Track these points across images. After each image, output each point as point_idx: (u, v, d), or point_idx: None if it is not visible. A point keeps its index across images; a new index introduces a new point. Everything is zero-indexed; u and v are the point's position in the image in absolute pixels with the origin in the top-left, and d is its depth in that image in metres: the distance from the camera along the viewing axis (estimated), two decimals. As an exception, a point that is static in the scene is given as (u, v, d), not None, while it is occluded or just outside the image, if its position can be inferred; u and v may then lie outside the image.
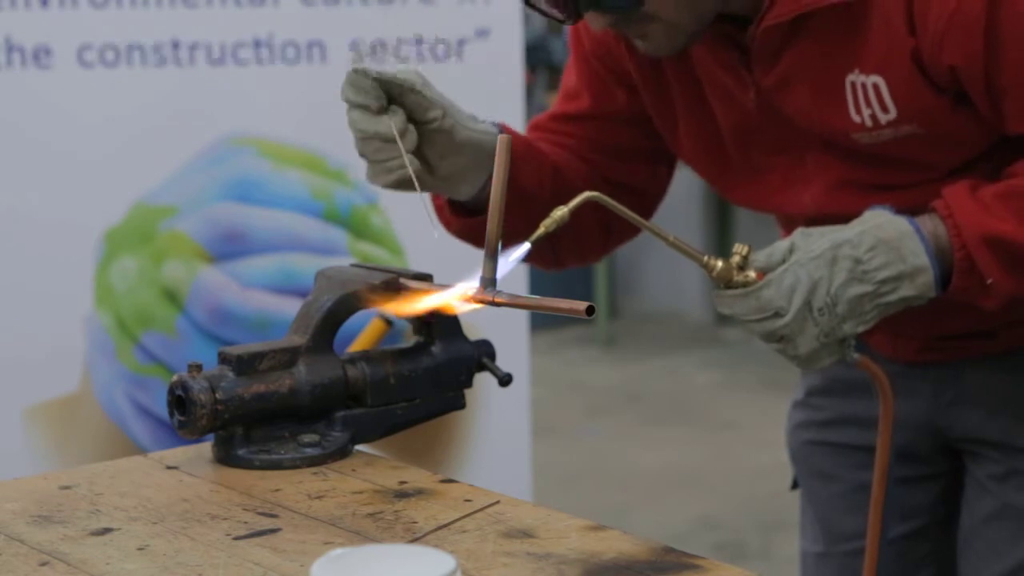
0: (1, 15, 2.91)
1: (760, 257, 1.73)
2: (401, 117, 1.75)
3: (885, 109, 1.77)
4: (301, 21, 3.03)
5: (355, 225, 3.09)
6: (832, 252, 1.70)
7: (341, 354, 1.65)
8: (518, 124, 3.04)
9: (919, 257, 1.71)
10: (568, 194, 1.59)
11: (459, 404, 1.71)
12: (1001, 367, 1.98)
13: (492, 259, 1.51)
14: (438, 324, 1.68)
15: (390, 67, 1.77)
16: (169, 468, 1.59)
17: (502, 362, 1.72)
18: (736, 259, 1.71)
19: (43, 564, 1.34)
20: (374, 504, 1.47)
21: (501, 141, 1.55)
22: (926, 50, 1.73)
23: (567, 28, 1.99)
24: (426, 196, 1.90)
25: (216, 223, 3.04)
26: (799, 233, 1.74)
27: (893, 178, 1.83)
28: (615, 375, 6.52)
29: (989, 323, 1.92)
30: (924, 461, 2.06)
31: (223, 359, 1.60)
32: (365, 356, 1.67)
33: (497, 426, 3.17)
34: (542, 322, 5.94)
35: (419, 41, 3.07)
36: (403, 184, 1.78)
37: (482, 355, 1.71)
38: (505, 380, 1.71)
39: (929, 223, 1.74)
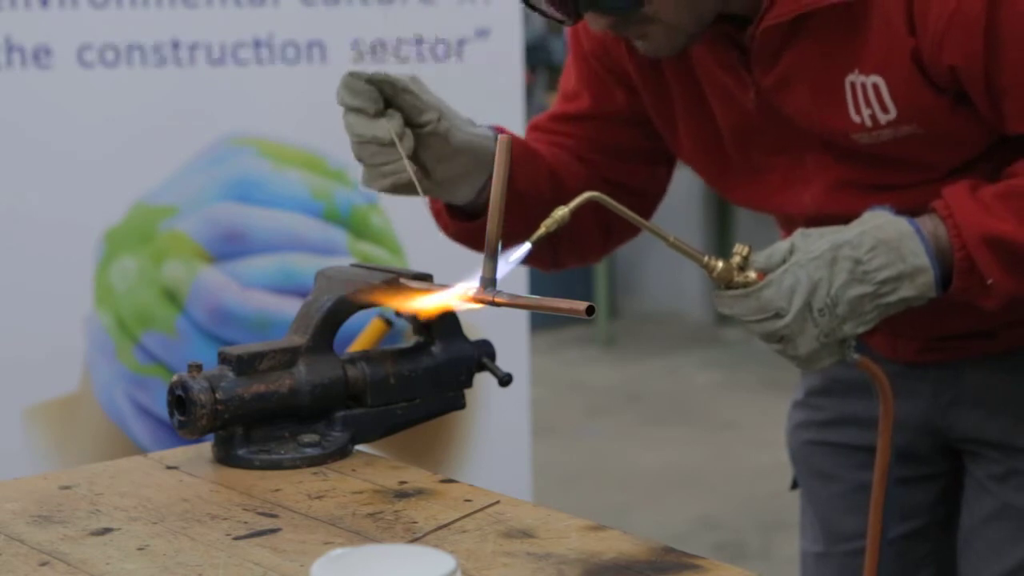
0: (1, 15, 2.91)
1: (760, 258, 1.73)
2: (398, 121, 1.75)
3: (885, 109, 1.77)
4: (301, 21, 3.03)
5: (355, 225, 3.09)
6: (832, 253, 1.70)
7: (341, 354, 1.65)
8: (518, 124, 3.04)
9: (919, 257, 1.71)
10: (566, 197, 1.59)
11: (459, 404, 1.71)
12: (1001, 367, 1.98)
13: (492, 259, 1.51)
14: (438, 324, 1.68)
15: (389, 68, 1.77)
16: (169, 468, 1.59)
17: (502, 362, 1.72)
18: (736, 260, 1.71)
19: (43, 564, 1.34)
20: (374, 504, 1.47)
21: (501, 141, 1.55)
22: (926, 50, 1.73)
23: (566, 28, 1.99)
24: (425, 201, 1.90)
25: (216, 223, 3.04)
26: (799, 234, 1.74)
27: (893, 178, 1.83)
28: (615, 375, 6.52)
29: (989, 323, 1.92)
30: (924, 461, 2.06)
31: (223, 359, 1.60)
32: (365, 356, 1.67)
33: (497, 426, 3.17)
34: (542, 322, 5.94)
35: (419, 41, 3.07)
36: (399, 188, 1.78)
37: (482, 355, 1.71)
38: (505, 380, 1.71)
39: (929, 223, 1.74)
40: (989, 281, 1.72)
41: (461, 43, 3.09)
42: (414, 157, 1.77)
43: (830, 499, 2.13)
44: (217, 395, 1.56)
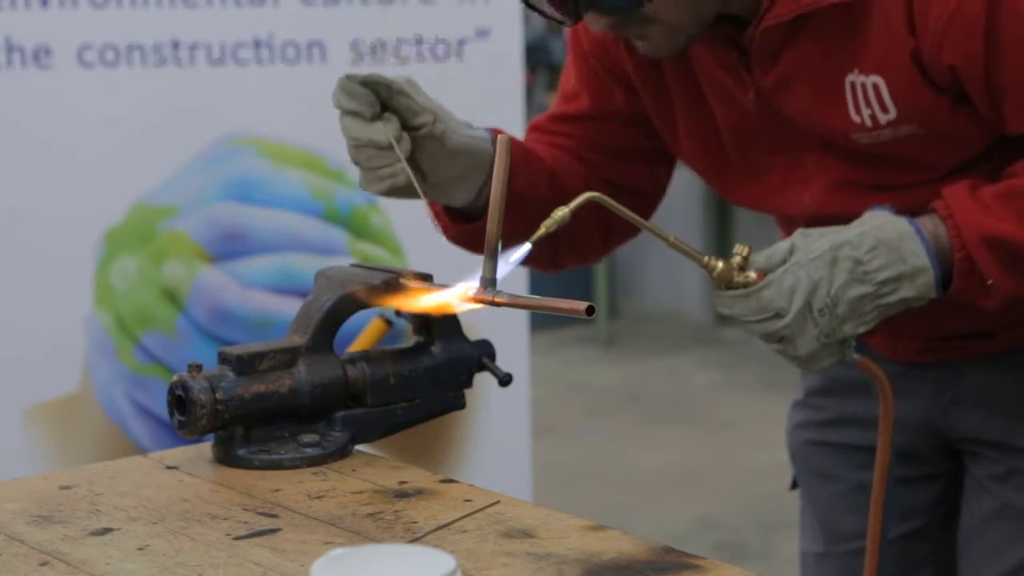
0: (1, 15, 2.91)
1: (760, 258, 1.73)
2: (396, 124, 1.75)
3: (885, 109, 1.77)
4: (301, 21, 3.03)
5: (355, 225, 3.09)
6: (832, 253, 1.70)
7: (341, 354, 1.65)
8: (518, 124, 3.04)
9: (919, 258, 1.71)
10: (565, 197, 1.59)
11: (459, 404, 1.71)
12: (1001, 367, 1.98)
13: (492, 259, 1.51)
14: (438, 324, 1.68)
15: (389, 68, 1.77)
16: (169, 468, 1.59)
17: (502, 362, 1.72)
18: (736, 260, 1.71)
19: (43, 564, 1.34)
20: (374, 504, 1.47)
21: (501, 141, 1.55)
22: (926, 50, 1.73)
23: (566, 29, 1.99)
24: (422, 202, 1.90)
25: (216, 223, 3.04)
26: (799, 234, 1.74)
27: (893, 178, 1.83)
28: (615, 375, 6.52)
29: (989, 323, 1.92)
30: (924, 461, 2.06)
31: (223, 359, 1.60)
32: (365, 356, 1.67)
33: (497, 426, 3.17)
34: (542, 322, 5.94)
35: (419, 41, 3.07)
36: (396, 191, 1.78)
37: (482, 355, 1.71)
38: (505, 380, 1.71)
39: (929, 223, 1.74)
40: (989, 281, 1.72)
41: (461, 43, 3.09)
42: (410, 160, 1.77)
43: (830, 499, 2.13)
44: (217, 395, 1.56)
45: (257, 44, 3.02)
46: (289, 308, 2.92)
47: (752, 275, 1.71)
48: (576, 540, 1.37)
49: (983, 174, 1.79)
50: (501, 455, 3.19)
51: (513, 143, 1.59)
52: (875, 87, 1.76)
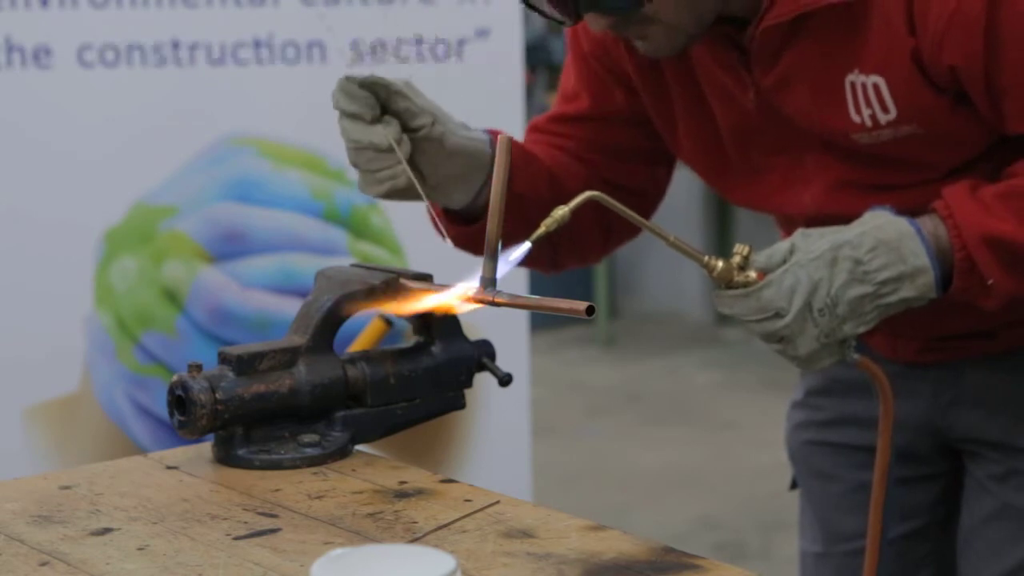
0: (1, 15, 2.91)
1: (760, 258, 1.73)
2: (396, 127, 1.75)
3: (885, 109, 1.77)
4: (301, 21, 3.03)
5: (355, 225, 3.09)
6: (832, 253, 1.70)
7: (341, 354, 1.65)
8: (518, 124, 3.04)
9: (919, 258, 1.71)
10: (565, 198, 1.59)
11: (459, 404, 1.71)
12: (1001, 367, 1.98)
13: (492, 259, 1.51)
14: (438, 324, 1.68)
15: (389, 68, 1.77)
16: (169, 468, 1.59)
17: (502, 362, 1.72)
18: (737, 259, 1.71)
19: (43, 564, 1.34)
20: (374, 504, 1.47)
21: (501, 140, 1.55)
22: (926, 50, 1.73)
23: (566, 29, 1.99)
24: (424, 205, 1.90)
25: (216, 223, 3.04)
26: (799, 234, 1.74)
27: (893, 178, 1.83)
28: (615, 375, 6.52)
29: (989, 323, 1.92)
30: (924, 461, 2.06)
31: (223, 359, 1.60)
32: (365, 356, 1.67)
33: (497, 426, 3.17)
34: (542, 322, 5.94)
35: (419, 41, 3.07)
36: (396, 193, 1.78)
37: (482, 355, 1.71)
38: (505, 380, 1.71)
39: (929, 224, 1.74)
40: (989, 281, 1.72)
41: (461, 43, 3.09)
42: (409, 162, 1.77)
43: (829, 499, 2.13)
44: (217, 395, 1.56)
45: (257, 44, 3.02)
46: (289, 308, 2.92)
47: (752, 275, 1.71)
48: (576, 540, 1.37)
49: (983, 174, 1.79)
50: (501, 455, 3.19)
51: (512, 144, 1.59)
52: (875, 87, 1.76)
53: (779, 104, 1.83)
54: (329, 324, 1.63)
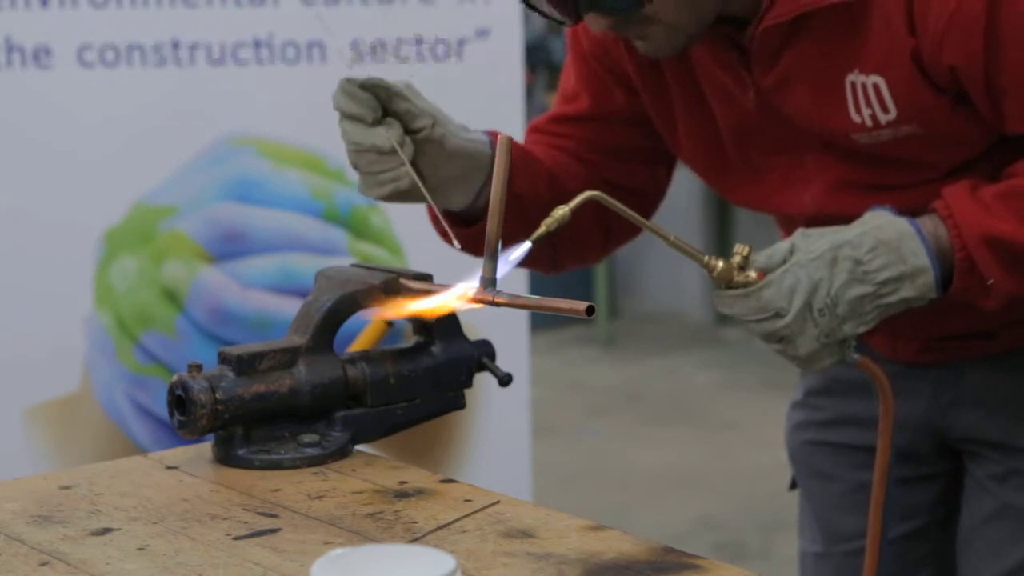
0: (1, 15, 2.91)
1: (760, 258, 1.73)
2: (398, 129, 1.74)
3: (885, 109, 1.77)
4: (301, 21, 3.03)
5: (355, 225, 3.09)
6: (832, 253, 1.70)
7: (341, 354, 1.65)
8: (518, 124, 3.04)
9: (919, 258, 1.71)
10: (565, 199, 1.58)
11: (459, 404, 1.71)
12: (1001, 367, 1.98)
13: (492, 259, 1.51)
14: (438, 324, 1.68)
15: (389, 68, 1.76)
16: (169, 468, 1.59)
17: (502, 362, 1.72)
18: (737, 259, 1.71)
19: (43, 564, 1.34)
20: (374, 504, 1.47)
21: (502, 140, 1.55)
22: (926, 50, 1.73)
23: (566, 29, 1.99)
24: (424, 207, 1.89)
25: (216, 223, 3.04)
26: (799, 234, 1.74)
27: (893, 178, 1.83)
28: (615, 375, 6.52)
29: (989, 323, 1.92)
30: (924, 461, 2.06)
31: (223, 359, 1.60)
32: (365, 356, 1.67)
33: (497, 426, 3.17)
34: (542, 322, 5.94)
35: (419, 41, 3.07)
36: (398, 196, 1.78)
37: (482, 355, 1.71)
38: (505, 380, 1.71)
39: (929, 224, 1.74)
40: (990, 281, 1.72)
41: (461, 43, 3.09)
42: (411, 163, 1.77)
43: (829, 499, 2.13)
44: (217, 395, 1.56)
45: (257, 44, 3.02)
46: (289, 308, 2.92)
47: (752, 275, 1.71)
48: (576, 540, 1.37)
49: (983, 174, 1.79)
50: (501, 455, 3.19)
51: (512, 145, 1.59)
52: (875, 87, 1.76)
53: (779, 104, 1.83)
54: (329, 324, 1.63)
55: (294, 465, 1.58)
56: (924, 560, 2.11)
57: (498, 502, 1.46)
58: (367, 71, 1.78)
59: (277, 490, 1.51)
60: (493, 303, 1.51)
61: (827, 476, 2.13)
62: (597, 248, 2.04)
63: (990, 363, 1.98)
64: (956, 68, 1.73)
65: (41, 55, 2.93)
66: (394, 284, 1.64)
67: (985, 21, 1.70)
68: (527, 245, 1.54)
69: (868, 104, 1.77)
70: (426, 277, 1.65)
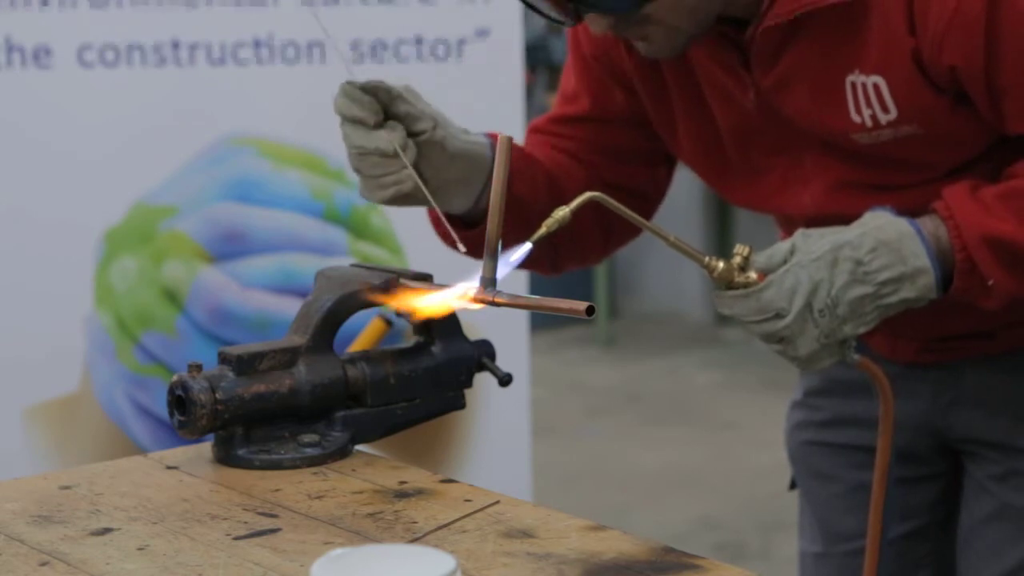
0: (1, 15, 2.90)
1: (761, 258, 1.73)
2: (401, 132, 1.74)
3: (886, 109, 1.77)
4: (301, 21, 3.03)
5: (355, 225, 3.09)
6: (833, 254, 1.70)
7: (341, 354, 1.65)
8: (518, 124, 3.04)
9: (920, 259, 1.71)
10: (564, 202, 1.58)
11: (459, 404, 1.71)
12: (1001, 368, 1.98)
13: (492, 259, 1.51)
14: (438, 324, 1.68)
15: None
16: (169, 468, 1.59)
17: (502, 362, 1.72)
18: (737, 260, 1.71)
19: (43, 564, 1.34)
20: (374, 504, 1.47)
21: (502, 140, 1.54)
22: (926, 50, 1.73)
23: (566, 29, 1.99)
24: (424, 209, 1.89)
25: (216, 223, 3.04)
26: (800, 234, 1.74)
27: (893, 178, 1.83)
28: (615, 375, 6.52)
29: (989, 324, 1.92)
30: (923, 461, 2.06)
31: (223, 359, 1.60)
32: (365, 356, 1.67)
33: (497, 426, 3.17)
34: (542, 322, 5.94)
35: (419, 41, 3.07)
36: (399, 199, 1.77)
37: (482, 355, 1.71)
38: (505, 380, 1.71)
39: (930, 224, 1.74)
40: (990, 282, 1.72)
41: (461, 43, 3.09)
42: (413, 167, 1.76)
43: (829, 499, 2.13)
44: (217, 395, 1.56)
45: (257, 44, 3.02)
46: (289, 308, 2.92)
47: (753, 275, 1.71)
48: (576, 540, 1.37)
49: (983, 174, 1.79)
50: (501, 455, 3.19)
51: (512, 146, 1.59)
52: (876, 87, 1.76)
53: (779, 104, 1.83)
54: (329, 324, 1.63)
55: (294, 465, 1.58)
56: (924, 560, 2.11)
57: (498, 502, 1.46)
58: (366, 72, 1.77)
59: (277, 490, 1.51)
60: (493, 303, 1.51)
61: (827, 476, 2.13)
62: (597, 249, 2.04)
63: (990, 363, 1.98)
64: (956, 68, 1.73)
65: (41, 55, 2.93)
66: (394, 284, 1.64)
67: (985, 21, 1.70)
68: (528, 246, 1.54)
69: (868, 104, 1.77)
70: (426, 277, 1.65)
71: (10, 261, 2.94)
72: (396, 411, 1.66)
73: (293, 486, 1.52)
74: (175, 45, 2.99)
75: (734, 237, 6.94)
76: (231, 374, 1.58)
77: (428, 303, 1.61)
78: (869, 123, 1.78)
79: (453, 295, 1.55)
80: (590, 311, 1.42)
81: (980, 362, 1.98)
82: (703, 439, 5.62)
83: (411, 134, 1.76)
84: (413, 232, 3.03)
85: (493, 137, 1.85)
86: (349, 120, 1.74)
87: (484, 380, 1.73)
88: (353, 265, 1.73)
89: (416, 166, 1.77)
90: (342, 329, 1.65)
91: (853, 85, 1.77)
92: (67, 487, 1.53)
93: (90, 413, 3.02)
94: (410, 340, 1.71)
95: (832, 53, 1.77)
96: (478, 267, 1.52)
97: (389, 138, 1.73)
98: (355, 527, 1.42)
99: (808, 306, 1.69)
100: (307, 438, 1.60)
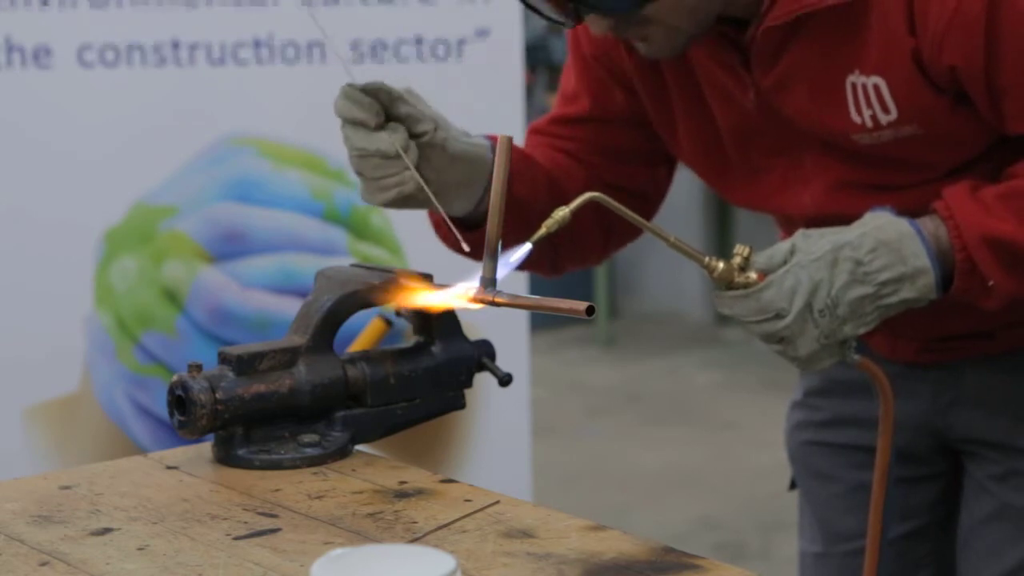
0: (1, 15, 2.90)
1: (761, 258, 1.73)
2: (403, 133, 1.73)
3: (886, 110, 1.77)
4: (301, 21, 3.02)
5: (355, 225, 3.09)
6: (833, 254, 1.70)
7: (341, 354, 1.65)
8: (518, 124, 3.04)
9: (920, 259, 1.71)
10: (564, 203, 1.58)
11: (459, 404, 1.71)
12: (1000, 368, 1.98)
13: (492, 259, 1.51)
14: (438, 324, 1.68)
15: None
16: (169, 468, 1.59)
17: (502, 362, 1.72)
18: (737, 260, 1.71)
19: (43, 564, 1.34)
20: (374, 504, 1.47)
21: (502, 140, 1.54)
22: (926, 50, 1.73)
23: (566, 30, 1.99)
24: (424, 211, 1.89)
25: (216, 223, 3.04)
26: (800, 235, 1.74)
27: (892, 178, 1.83)
28: (615, 375, 6.52)
29: (988, 324, 1.92)
30: (923, 461, 2.06)
31: (223, 359, 1.60)
32: (365, 356, 1.67)
33: (497, 426, 3.17)
34: (542, 322, 5.94)
35: (419, 41, 3.07)
36: (401, 201, 1.76)
37: (482, 355, 1.71)
38: (505, 380, 1.71)
39: (930, 224, 1.74)
40: (990, 282, 1.72)
41: (461, 43, 3.09)
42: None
43: (829, 499, 2.13)
44: (217, 395, 1.56)
45: (257, 44, 3.02)
46: (289, 308, 2.92)
47: (753, 276, 1.71)
48: (576, 540, 1.37)
49: (983, 174, 1.79)
50: (501, 455, 3.19)
51: (512, 148, 1.59)
52: (876, 88, 1.76)
53: (779, 105, 1.83)
54: (329, 324, 1.63)
55: (294, 465, 1.58)
56: (924, 560, 2.11)
57: (498, 502, 1.46)
58: (367, 71, 1.77)
59: (277, 490, 1.51)
60: (493, 303, 1.51)
61: (827, 476, 2.13)
62: (597, 250, 2.04)
63: (990, 364, 1.98)
64: (956, 68, 1.73)
65: (41, 55, 2.93)
66: (394, 284, 1.64)
67: (985, 21, 1.70)
68: (527, 246, 1.54)
69: (868, 105, 1.77)
70: (426, 277, 1.65)
71: (10, 261, 2.94)
72: (396, 411, 1.66)
73: (293, 486, 1.52)
74: (175, 45, 2.99)
75: (734, 237, 6.94)
76: (231, 374, 1.58)
77: (428, 303, 1.61)
78: (869, 124, 1.78)
79: (453, 295, 1.55)
80: (590, 311, 1.42)
81: (980, 362, 1.98)
82: (703, 439, 5.62)
83: (412, 136, 1.76)
84: (413, 232, 3.03)
85: (493, 139, 1.84)
86: (350, 122, 1.74)
87: (484, 380, 1.73)
88: (353, 265, 1.73)
89: (417, 168, 1.76)
90: (342, 329, 1.65)
91: (853, 86, 1.77)
92: (67, 487, 1.53)
93: (90, 413, 3.02)
94: (410, 340, 1.71)
95: (832, 53, 1.77)
96: (478, 267, 1.52)
97: (391, 140, 1.72)
98: (355, 527, 1.42)
99: (808, 306, 1.69)
100: (307, 438, 1.60)
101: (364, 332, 2.14)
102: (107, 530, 1.42)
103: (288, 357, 1.61)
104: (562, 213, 1.55)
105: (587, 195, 1.58)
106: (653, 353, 6.82)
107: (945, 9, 1.70)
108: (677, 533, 4.61)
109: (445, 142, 1.78)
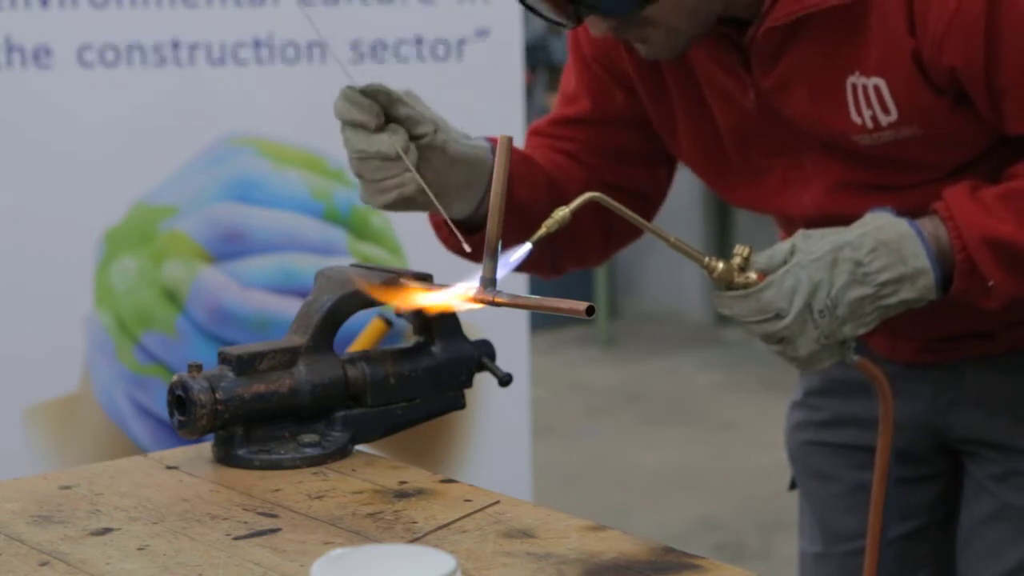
0: (1, 15, 2.91)
1: (761, 259, 1.73)
2: (403, 135, 1.73)
3: (886, 111, 1.77)
4: (301, 21, 3.02)
5: (355, 225, 3.09)
6: (833, 254, 1.70)
7: (341, 354, 1.65)
8: (518, 124, 3.04)
9: (920, 259, 1.71)
10: (564, 204, 1.58)
11: (459, 404, 1.71)
12: (1000, 368, 1.98)
13: (492, 259, 1.51)
14: (438, 324, 1.68)
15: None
16: (169, 468, 1.59)
17: (502, 362, 1.72)
18: (737, 260, 1.71)
19: (43, 564, 1.34)
20: (374, 504, 1.47)
21: (502, 140, 1.54)
22: (926, 51, 1.73)
23: (566, 31, 1.98)
24: (426, 215, 1.89)
25: (216, 223, 3.04)
26: (800, 235, 1.74)
27: (893, 179, 1.83)
28: (615, 375, 6.52)
29: (988, 324, 1.92)
30: (923, 461, 2.06)
31: (223, 359, 1.60)
32: (365, 356, 1.67)
33: (497, 426, 3.17)
34: (542, 322, 5.94)
35: (419, 41, 3.07)
36: (401, 203, 1.76)
37: (482, 355, 1.71)
38: (505, 380, 1.71)
39: (930, 225, 1.74)
40: (990, 283, 1.72)
41: (461, 43, 3.09)
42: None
43: (828, 499, 2.13)
44: (217, 395, 1.56)
45: (257, 44, 3.02)
46: (289, 308, 2.92)
47: (753, 276, 1.71)
48: (576, 540, 1.37)
49: (983, 174, 1.79)
50: (501, 455, 3.19)
51: (512, 149, 1.59)
52: (876, 88, 1.76)
53: (779, 105, 1.83)
54: (329, 324, 1.63)
55: (294, 465, 1.58)
56: (924, 560, 2.11)
57: (498, 502, 1.46)
58: (367, 72, 1.77)
59: (277, 490, 1.51)
60: (493, 303, 1.51)
61: (826, 476, 2.13)
62: (598, 250, 2.04)
63: (989, 364, 1.98)
64: (956, 69, 1.73)
65: (41, 55, 2.93)
66: (394, 284, 1.64)
67: (985, 21, 1.70)
68: (527, 246, 1.54)
69: (869, 106, 1.77)
70: (426, 277, 1.64)
71: (10, 261, 2.95)
72: (396, 411, 1.66)
73: (293, 486, 1.52)
74: (175, 45, 2.99)
75: (734, 237, 6.94)
76: (231, 374, 1.58)
77: (428, 303, 1.61)
78: (870, 125, 1.78)
79: (453, 295, 1.55)
80: (590, 311, 1.42)
81: (980, 362, 1.98)
82: (703, 439, 5.62)
83: (412, 138, 1.76)
84: (413, 232, 3.03)
85: (493, 141, 1.84)
86: (350, 124, 1.73)
87: (484, 380, 1.73)
88: (353, 265, 1.73)
89: (417, 170, 1.76)
90: (342, 329, 1.65)
91: (854, 87, 1.77)
92: (67, 487, 1.53)
93: (90, 413, 3.02)
94: (410, 340, 1.71)
95: (832, 54, 1.77)
96: (478, 268, 1.52)
97: (391, 141, 1.72)
98: (355, 527, 1.42)
99: (808, 307, 1.69)
100: (307, 438, 1.60)
101: (364, 332, 2.14)
102: (107, 530, 1.42)
103: (288, 357, 1.61)
104: (562, 213, 1.55)
105: (587, 195, 1.58)
106: (653, 353, 6.82)
107: (945, 9, 1.70)
108: (677, 533, 4.60)
109: (445, 144, 1.77)
